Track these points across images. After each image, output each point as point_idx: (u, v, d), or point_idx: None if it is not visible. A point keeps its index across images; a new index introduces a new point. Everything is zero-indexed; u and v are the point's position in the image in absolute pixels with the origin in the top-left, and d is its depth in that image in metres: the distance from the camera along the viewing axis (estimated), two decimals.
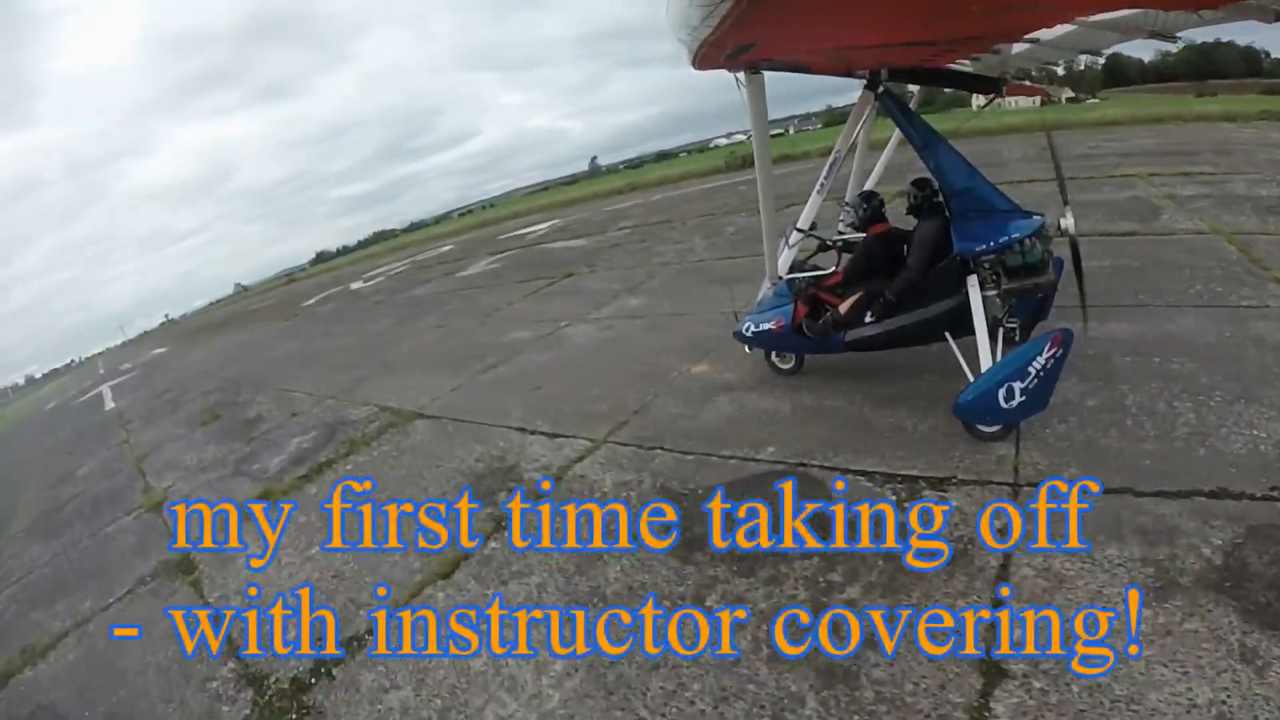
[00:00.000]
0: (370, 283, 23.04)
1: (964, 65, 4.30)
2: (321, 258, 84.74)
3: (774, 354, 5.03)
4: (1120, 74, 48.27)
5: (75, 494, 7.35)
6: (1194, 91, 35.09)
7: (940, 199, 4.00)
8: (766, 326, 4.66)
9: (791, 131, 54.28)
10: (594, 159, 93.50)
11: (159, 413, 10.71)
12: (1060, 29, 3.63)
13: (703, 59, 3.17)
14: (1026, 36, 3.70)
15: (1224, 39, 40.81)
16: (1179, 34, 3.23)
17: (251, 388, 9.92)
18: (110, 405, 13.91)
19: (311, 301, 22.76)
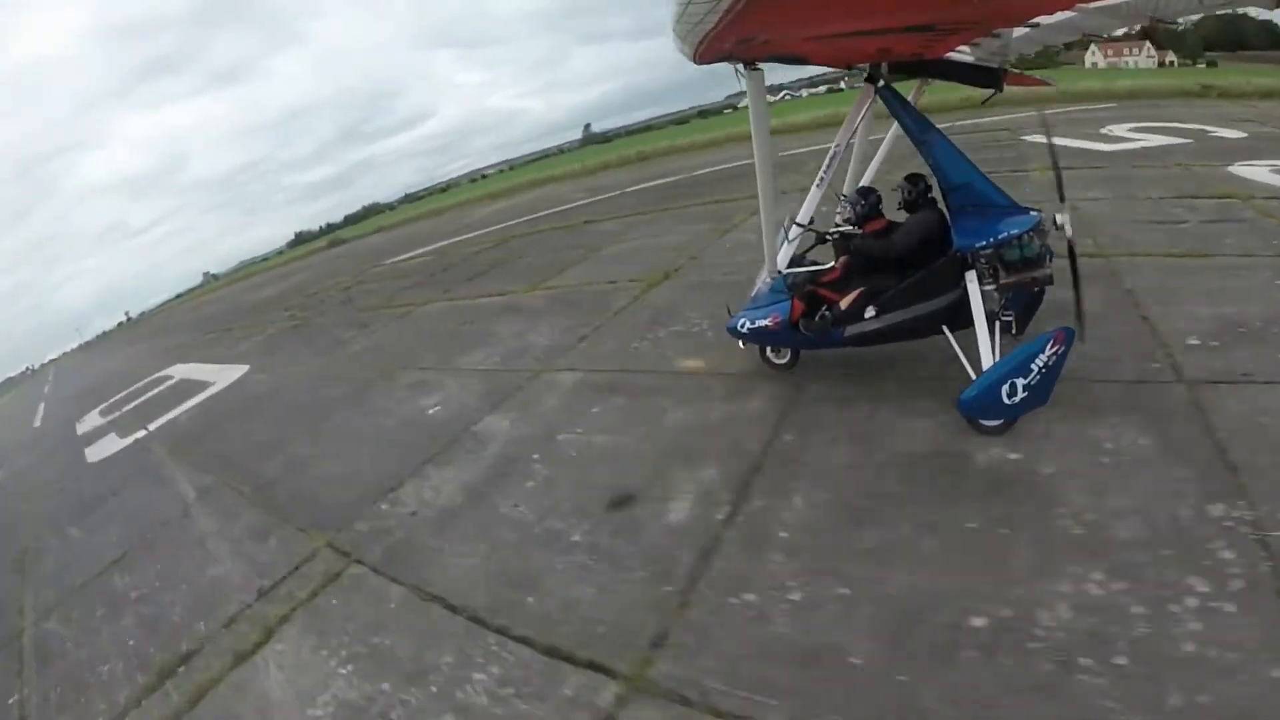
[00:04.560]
0: None
1: (964, 54, 4.47)
2: (301, 239, 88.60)
3: (769, 349, 5.32)
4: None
5: None
6: None
7: (933, 194, 4.26)
8: (762, 323, 4.89)
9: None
10: (588, 126, 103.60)
11: None
12: (1061, 13, 3.80)
13: (703, 54, 3.43)
14: (1028, 21, 3.87)
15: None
16: (1179, 20, 3.41)
17: None
18: None
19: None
